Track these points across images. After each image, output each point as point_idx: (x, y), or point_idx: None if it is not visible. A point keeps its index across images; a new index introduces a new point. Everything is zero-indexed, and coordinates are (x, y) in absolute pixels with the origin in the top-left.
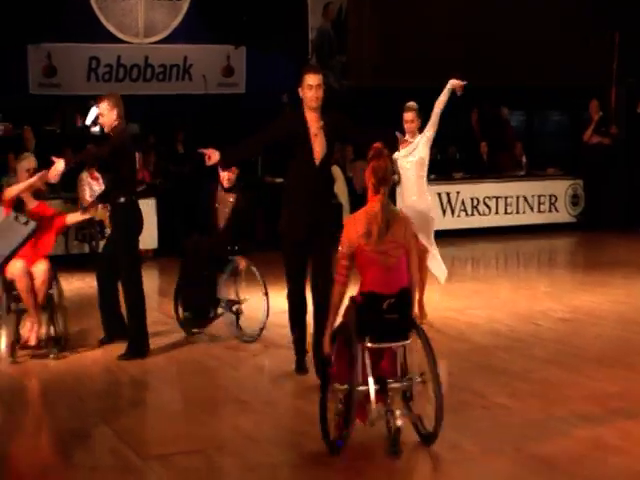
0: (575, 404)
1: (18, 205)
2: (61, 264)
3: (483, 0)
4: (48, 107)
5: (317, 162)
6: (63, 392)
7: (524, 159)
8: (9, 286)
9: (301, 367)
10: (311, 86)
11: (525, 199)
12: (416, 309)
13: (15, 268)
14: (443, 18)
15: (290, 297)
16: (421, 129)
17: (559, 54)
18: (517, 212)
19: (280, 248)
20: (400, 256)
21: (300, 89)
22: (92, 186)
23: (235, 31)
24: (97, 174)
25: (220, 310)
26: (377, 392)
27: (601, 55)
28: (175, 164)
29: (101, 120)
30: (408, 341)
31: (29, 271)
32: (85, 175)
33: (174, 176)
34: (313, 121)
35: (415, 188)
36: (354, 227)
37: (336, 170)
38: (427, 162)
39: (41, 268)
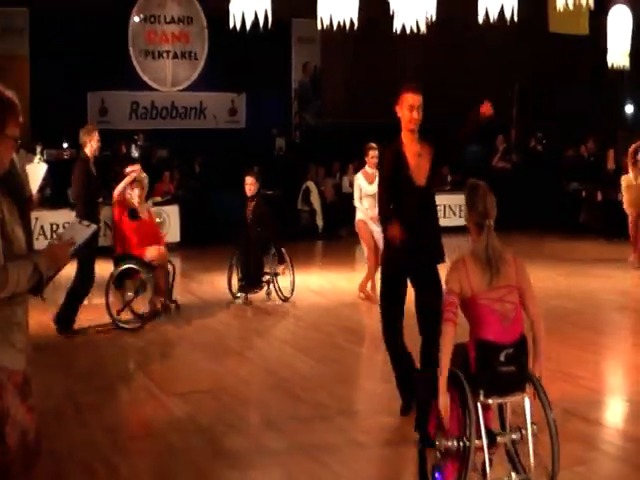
0: None
1: (131, 212)
2: (110, 253)
3: (429, 61)
4: (102, 138)
5: (419, 186)
6: (110, 345)
7: (449, 177)
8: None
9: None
10: (412, 107)
11: (450, 207)
12: (369, 289)
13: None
14: (398, 71)
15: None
16: None
17: (477, 101)
18: (444, 217)
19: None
20: (516, 301)
21: (398, 108)
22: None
23: (238, 82)
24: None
25: (266, 279)
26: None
27: (505, 101)
28: (193, 180)
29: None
30: (524, 393)
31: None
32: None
33: (192, 189)
34: (411, 143)
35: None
36: (464, 270)
37: (311, 184)
38: None
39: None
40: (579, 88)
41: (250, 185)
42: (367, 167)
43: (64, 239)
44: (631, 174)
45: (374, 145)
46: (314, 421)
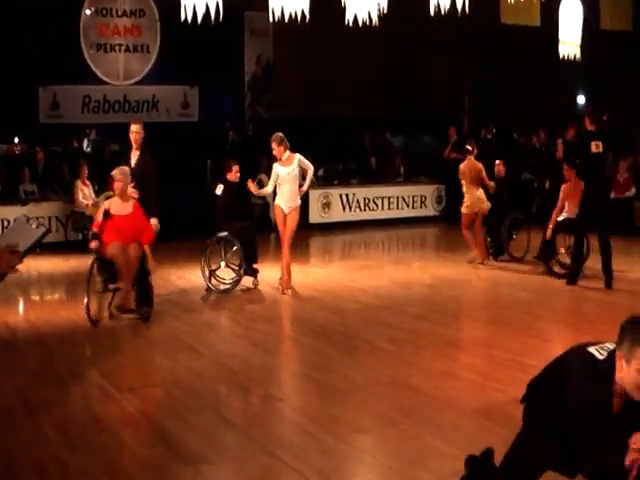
0: (435, 347)
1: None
2: (61, 248)
3: (382, 55)
4: (53, 132)
5: None
6: (61, 341)
7: (402, 169)
8: (109, 267)
9: None
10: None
11: (403, 199)
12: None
13: (113, 248)
14: (351, 65)
15: None
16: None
17: (431, 94)
18: (397, 208)
19: None
20: None
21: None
22: (84, 190)
23: (190, 75)
24: (87, 181)
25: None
26: None
27: (458, 93)
28: None
29: (136, 137)
30: None
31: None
32: (79, 182)
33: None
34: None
35: (293, 193)
36: None
37: (265, 177)
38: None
39: (133, 248)
40: (531, 79)
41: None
42: (278, 159)
43: (9, 242)
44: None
45: (278, 135)
46: (266, 414)
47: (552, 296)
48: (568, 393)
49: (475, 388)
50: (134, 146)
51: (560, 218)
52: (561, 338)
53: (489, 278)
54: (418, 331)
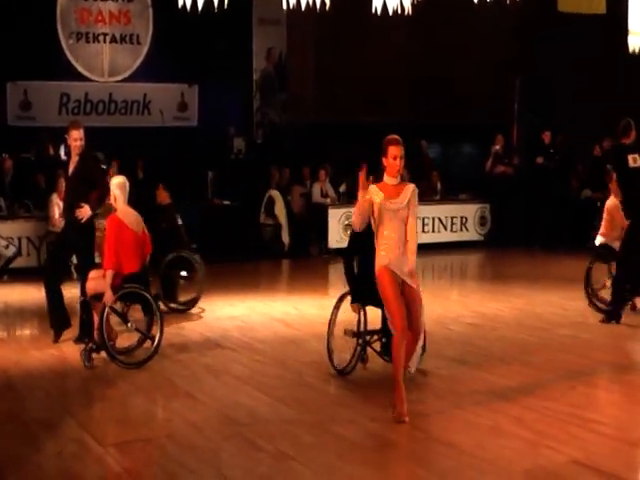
0: (478, 396)
1: None
2: (34, 275)
3: (412, 50)
4: (24, 137)
5: None
6: (33, 387)
7: (439, 185)
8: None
9: None
10: None
11: (440, 220)
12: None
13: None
14: (377, 61)
15: None
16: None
17: (471, 96)
18: (433, 231)
19: None
20: None
21: None
22: (61, 206)
23: (189, 72)
24: None
25: None
26: None
27: (505, 97)
28: (135, 188)
29: (80, 143)
30: None
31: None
32: (55, 196)
33: (134, 198)
34: None
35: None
36: None
37: (275, 193)
38: None
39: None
40: (594, 77)
41: None
42: (386, 176)
43: None
44: None
45: (396, 137)
46: (276, 475)
47: (619, 338)
48: None
49: (526, 447)
50: (73, 153)
51: (597, 242)
52: (626, 388)
53: (544, 317)
54: (457, 378)
